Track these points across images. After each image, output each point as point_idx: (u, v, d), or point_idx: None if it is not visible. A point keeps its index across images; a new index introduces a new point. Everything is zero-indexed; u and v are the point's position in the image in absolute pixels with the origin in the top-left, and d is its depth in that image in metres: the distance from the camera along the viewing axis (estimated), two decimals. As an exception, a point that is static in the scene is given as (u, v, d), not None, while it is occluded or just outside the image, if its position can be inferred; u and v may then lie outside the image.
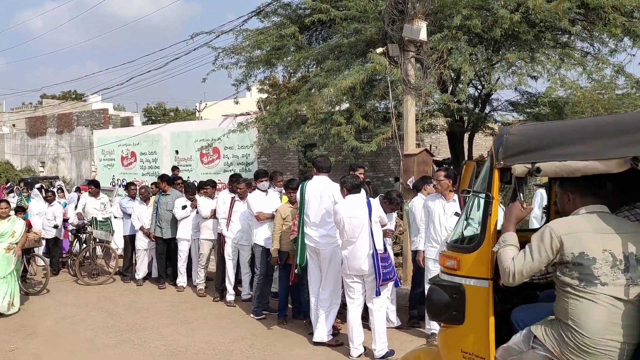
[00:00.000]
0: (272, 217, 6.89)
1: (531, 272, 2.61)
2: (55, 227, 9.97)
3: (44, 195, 10.88)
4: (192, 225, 8.71)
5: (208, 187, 8.57)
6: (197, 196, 8.62)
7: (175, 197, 9.01)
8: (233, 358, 5.69)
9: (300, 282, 6.44)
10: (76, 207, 10.20)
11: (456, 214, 4.73)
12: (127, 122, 25.95)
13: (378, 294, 5.44)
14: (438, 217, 5.84)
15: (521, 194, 2.83)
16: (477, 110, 11.51)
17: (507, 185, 2.96)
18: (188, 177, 16.64)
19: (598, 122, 2.77)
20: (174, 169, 15.20)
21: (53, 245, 10.11)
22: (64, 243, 10.61)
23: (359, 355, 5.51)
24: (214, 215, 8.19)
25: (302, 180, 6.54)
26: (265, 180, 7.31)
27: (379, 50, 8.12)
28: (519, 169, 2.71)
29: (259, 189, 7.26)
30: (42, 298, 8.48)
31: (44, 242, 9.69)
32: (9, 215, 7.88)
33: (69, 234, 10.66)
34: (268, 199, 7.20)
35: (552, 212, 3.48)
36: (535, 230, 2.78)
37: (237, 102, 13.80)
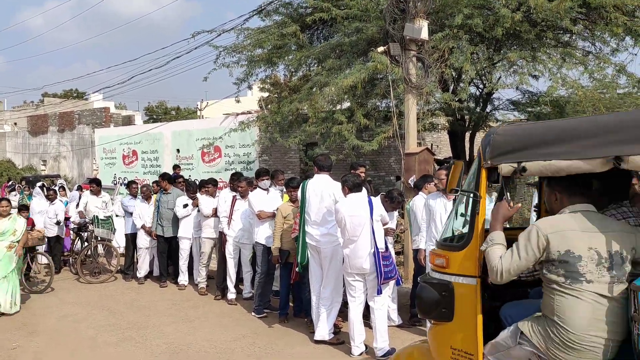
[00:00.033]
0: (273, 216, 6.90)
1: (519, 271, 2.66)
2: (58, 223, 9.99)
3: (45, 193, 10.89)
4: (194, 223, 8.72)
5: (209, 185, 8.58)
6: (198, 195, 8.63)
7: (176, 195, 9.02)
8: (234, 356, 5.70)
9: (302, 281, 6.45)
10: (78, 205, 10.21)
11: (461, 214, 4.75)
12: (128, 121, 25.95)
13: (379, 292, 5.45)
14: (439, 215, 5.85)
15: (508, 193, 2.88)
16: (478, 110, 11.49)
17: (495, 184, 3.01)
18: (189, 175, 16.63)
19: (581, 122, 2.81)
20: (175, 167, 15.22)
21: (55, 244, 10.13)
22: (65, 241, 10.63)
23: (360, 354, 5.52)
24: (215, 213, 8.20)
25: (303, 179, 6.55)
26: (267, 179, 7.32)
27: (381, 49, 8.13)
28: (506, 168, 2.76)
29: (260, 187, 7.27)
30: (44, 296, 8.50)
31: (45, 240, 9.70)
32: (9, 214, 7.89)
33: (71, 232, 10.68)
34: (269, 198, 7.20)
35: (542, 211, 3.52)
36: (523, 229, 2.82)
37: (238, 101, 13.82)
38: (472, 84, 10.77)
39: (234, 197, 7.82)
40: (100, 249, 9.88)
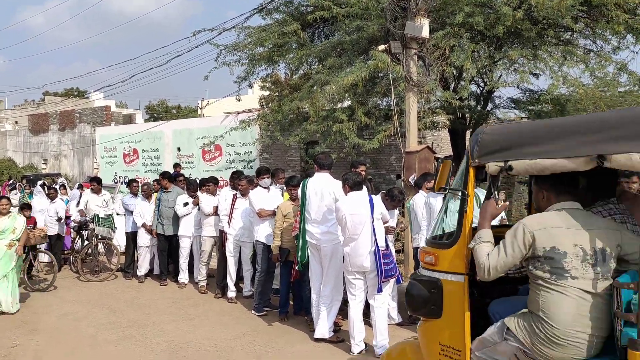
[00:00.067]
0: (273, 214, 6.89)
1: (505, 267, 2.70)
2: (59, 219, 10.00)
3: (46, 192, 10.89)
4: (194, 222, 8.71)
5: (210, 184, 8.58)
6: (199, 193, 8.62)
7: (176, 194, 9.02)
8: (234, 354, 5.70)
9: (302, 279, 6.45)
10: (78, 204, 10.21)
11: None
12: (129, 120, 25.97)
13: (380, 290, 5.45)
14: (439, 214, 5.84)
15: (496, 192, 2.93)
16: (479, 108, 11.50)
17: (483, 182, 3.06)
18: (190, 174, 16.66)
19: (566, 121, 2.85)
20: (176, 166, 15.21)
21: (55, 242, 10.11)
22: (66, 240, 10.63)
23: (360, 352, 5.52)
24: (215, 212, 8.20)
25: (304, 178, 6.55)
26: (267, 178, 7.31)
27: (381, 47, 8.13)
28: (493, 167, 2.81)
29: (260, 186, 7.27)
30: (44, 294, 8.50)
31: (47, 238, 9.70)
32: (9, 212, 7.89)
33: (71, 230, 10.68)
34: (270, 196, 7.20)
35: (532, 209, 3.57)
36: (511, 226, 2.87)
37: (239, 100, 13.84)
38: (472, 82, 10.77)
39: (235, 195, 7.82)
40: (100, 247, 9.87)
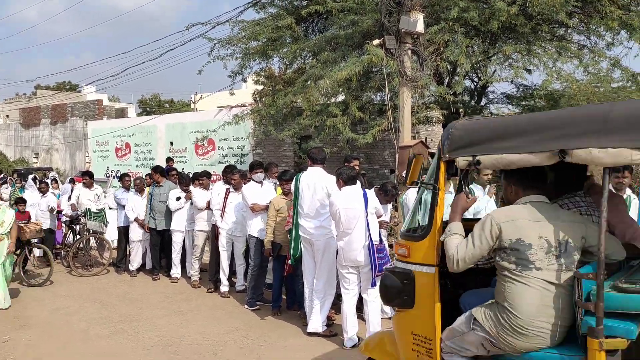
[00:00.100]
0: (266, 209, 6.87)
1: (474, 259, 2.78)
2: (51, 211, 9.92)
3: (37, 186, 10.82)
4: (187, 216, 8.68)
5: (203, 178, 8.55)
6: (192, 187, 8.59)
7: (169, 188, 8.97)
8: (227, 349, 5.69)
9: (295, 273, 6.44)
10: (70, 198, 10.14)
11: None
12: (121, 113, 25.81)
13: (373, 284, 5.44)
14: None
15: (466, 186, 3.01)
16: (473, 103, 11.51)
17: (453, 176, 3.15)
18: (183, 168, 16.57)
19: (532, 118, 2.94)
20: (169, 160, 15.15)
21: (47, 236, 10.05)
22: (57, 234, 10.56)
23: (353, 346, 5.51)
24: (208, 206, 8.17)
25: (297, 172, 6.53)
26: (260, 172, 7.29)
27: (376, 42, 8.11)
28: (462, 161, 2.90)
29: (254, 180, 7.24)
30: (36, 289, 8.45)
31: (42, 232, 9.62)
32: (-1, 205, 7.81)
33: (63, 225, 10.61)
34: (263, 191, 7.17)
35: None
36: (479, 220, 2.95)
37: (232, 94, 13.79)
38: (467, 77, 10.77)
39: (227, 189, 7.79)
40: (92, 241, 9.81)
